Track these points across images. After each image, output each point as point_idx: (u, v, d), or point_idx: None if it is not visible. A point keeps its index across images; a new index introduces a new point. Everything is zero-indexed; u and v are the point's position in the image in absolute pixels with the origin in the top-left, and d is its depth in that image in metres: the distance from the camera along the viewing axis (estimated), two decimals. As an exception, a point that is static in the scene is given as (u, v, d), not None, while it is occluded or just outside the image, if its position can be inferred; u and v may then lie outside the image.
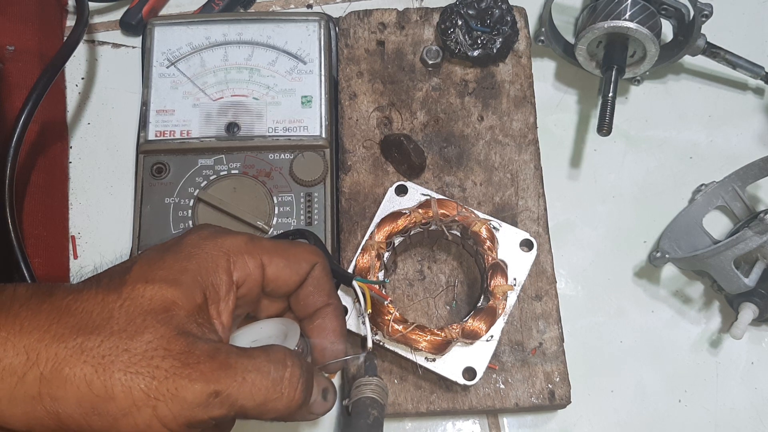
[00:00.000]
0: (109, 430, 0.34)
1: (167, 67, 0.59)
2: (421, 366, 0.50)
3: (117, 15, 0.65)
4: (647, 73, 0.60)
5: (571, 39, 0.63)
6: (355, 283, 0.47)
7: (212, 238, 0.40)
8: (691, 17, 0.58)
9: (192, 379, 0.34)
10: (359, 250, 0.53)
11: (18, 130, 0.52)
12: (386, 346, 0.51)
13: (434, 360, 0.50)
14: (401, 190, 0.55)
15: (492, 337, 0.51)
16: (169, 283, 0.37)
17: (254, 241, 0.41)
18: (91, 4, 0.62)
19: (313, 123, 0.57)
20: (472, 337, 0.50)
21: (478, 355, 0.50)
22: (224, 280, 0.39)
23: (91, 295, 0.36)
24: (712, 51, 0.60)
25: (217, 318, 0.38)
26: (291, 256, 0.42)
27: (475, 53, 0.59)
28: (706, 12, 0.56)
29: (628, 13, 0.56)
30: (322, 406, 0.40)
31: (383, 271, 0.52)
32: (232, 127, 0.57)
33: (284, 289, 0.43)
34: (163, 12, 0.66)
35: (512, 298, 0.52)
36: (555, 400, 0.51)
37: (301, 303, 0.44)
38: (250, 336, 0.43)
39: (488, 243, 0.52)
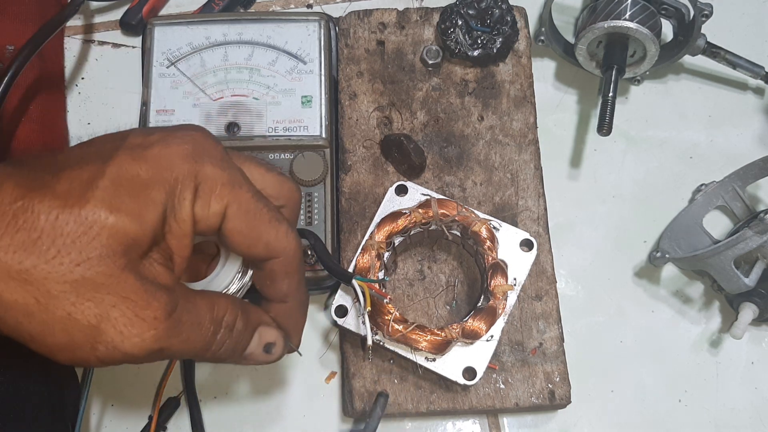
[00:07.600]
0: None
1: (167, 67, 0.59)
2: (421, 366, 0.50)
3: (117, 15, 0.65)
4: (647, 73, 0.60)
5: (571, 39, 0.63)
6: (354, 282, 0.47)
7: (199, 159, 0.37)
8: (691, 17, 0.58)
9: (144, 338, 0.34)
10: (359, 250, 0.53)
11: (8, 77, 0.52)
12: (386, 345, 0.51)
13: (434, 360, 0.50)
14: (401, 190, 0.55)
15: (492, 337, 0.51)
16: (133, 216, 0.34)
17: (234, 184, 0.37)
18: (91, 4, 0.62)
19: (313, 123, 0.57)
20: (472, 337, 0.50)
21: (478, 355, 0.50)
22: (188, 214, 0.36)
23: (43, 208, 0.32)
24: (712, 51, 0.60)
25: (176, 254, 0.36)
26: (258, 225, 0.38)
27: (475, 53, 0.59)
28: (706, 12, 0.56)
29: (628, 13, 0.56)
30: (263, 357, 0.41)
31: (383, 270, 0.52)
32: (232, 127, 0.57)
33: (236, 251, 0.40)
34: (163, 12, 0.66)
35: (512, 298, 0.52)
36: (555, 400, 0.51)
37: (265, 286, 0.42)
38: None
39: (488, 243, 0.52)
